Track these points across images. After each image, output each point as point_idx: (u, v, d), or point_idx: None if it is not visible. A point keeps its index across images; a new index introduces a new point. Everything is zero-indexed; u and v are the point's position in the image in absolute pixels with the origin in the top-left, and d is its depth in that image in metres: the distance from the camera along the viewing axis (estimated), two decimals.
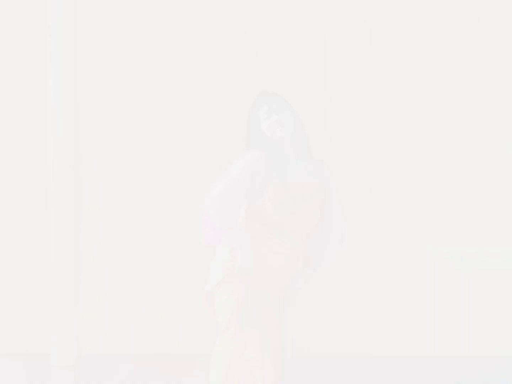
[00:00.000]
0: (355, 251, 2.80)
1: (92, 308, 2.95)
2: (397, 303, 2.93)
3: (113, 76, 2.89)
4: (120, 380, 2.87)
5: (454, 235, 2.92)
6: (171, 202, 2.92)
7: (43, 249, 2.87)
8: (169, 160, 2.90)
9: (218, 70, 2.87)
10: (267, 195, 2.28)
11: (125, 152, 2.91)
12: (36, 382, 2.83)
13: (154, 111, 2.90)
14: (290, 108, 2.39)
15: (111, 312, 2.96)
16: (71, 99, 2.79)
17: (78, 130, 2.85)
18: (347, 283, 2.91)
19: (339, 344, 2.92)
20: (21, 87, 2.86)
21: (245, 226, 2.32)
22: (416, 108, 2.90)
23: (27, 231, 2.91)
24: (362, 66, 2.89)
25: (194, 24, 2.87)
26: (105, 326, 2.96)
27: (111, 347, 2.96)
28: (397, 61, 2.89)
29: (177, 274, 2.94)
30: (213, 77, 2.87)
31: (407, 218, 2.91)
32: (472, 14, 2.87)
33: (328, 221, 2.40)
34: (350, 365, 2.91)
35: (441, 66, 2.89)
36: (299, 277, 2.37)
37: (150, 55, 2.88)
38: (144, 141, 2.91)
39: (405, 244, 2.93)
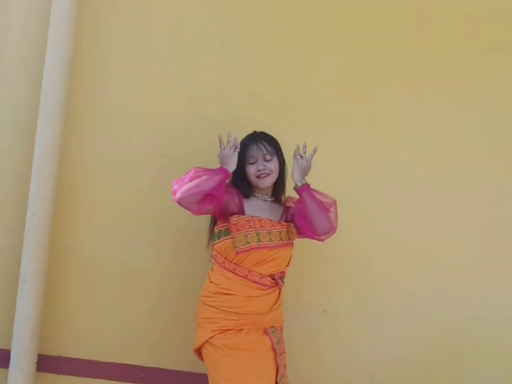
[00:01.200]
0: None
1: (59, 308, 2.86)
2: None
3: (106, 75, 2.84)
4: None
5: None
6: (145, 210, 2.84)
7: (18, 244, 2.79)
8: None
9: (214, 73, 2.84)
10: (231, 229, 2.34)
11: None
12: None
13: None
14: (279, 152, 2.45)
15: (78, 315, 2.87)
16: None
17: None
18: None
19: None
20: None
21: (215, 268, 2.42)
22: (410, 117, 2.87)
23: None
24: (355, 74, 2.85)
25: (190, 25, 2.84)
26: (70, 328, 2.87)
27: (73, 350, 2.87)
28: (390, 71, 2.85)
29: (152, 283, 2.87)
30: (208, 81, 2.83)
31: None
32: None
33: None
34: None
35: (434, 77, 2.85)
36: None
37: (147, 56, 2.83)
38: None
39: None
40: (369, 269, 2.87)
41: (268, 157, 2.40)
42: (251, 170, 2.40)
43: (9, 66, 2.82)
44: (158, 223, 2.84)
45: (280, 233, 2.39)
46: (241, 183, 2.44)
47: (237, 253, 2.33)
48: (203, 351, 2.36)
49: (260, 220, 2.36)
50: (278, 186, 2.47)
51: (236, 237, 2.32)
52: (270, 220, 2.39)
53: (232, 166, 2.34)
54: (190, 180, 2.28)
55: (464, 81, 2.86)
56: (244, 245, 2.31)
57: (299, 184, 2.39)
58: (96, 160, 2.84)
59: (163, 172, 2.81)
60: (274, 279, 2.40)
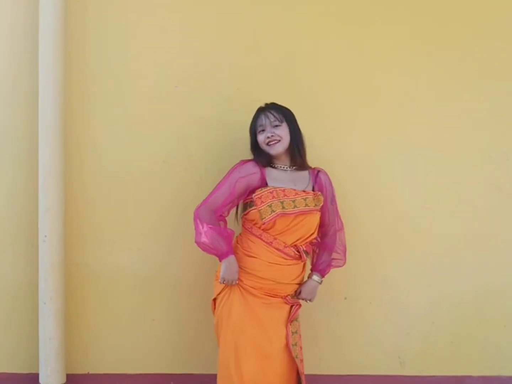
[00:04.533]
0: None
1: (81, 326, 2.86)
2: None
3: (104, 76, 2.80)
4: None
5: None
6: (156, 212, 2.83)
7: (32, 267, 2.78)
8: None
9: (212, 74, 2.80)
10: (255, 202, 2.38)
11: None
12: None
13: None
14: (289, 119, 2.45)
15: (101, 330, 2.87)
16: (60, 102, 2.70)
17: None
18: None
19: None
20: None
21: (243, 233, 2.49)
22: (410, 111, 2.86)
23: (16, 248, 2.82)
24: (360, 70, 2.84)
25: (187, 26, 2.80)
26: (94, 345, 2.87)
27: (100, 366, 2.87)
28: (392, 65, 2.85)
29: (168, 290, 2.87)
30: (206, 81, 2.80)
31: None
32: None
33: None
34: None
35: (434, 71, 2.85)
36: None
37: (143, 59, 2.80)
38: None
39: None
40: (385, 252, 2.88)
41: (275, 123, 2.41)
42: (261, 138, 2.43)
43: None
44: (167, 230, 2.83)
45: (305, 199, 2.40)
46: (258, 153, 2.46)
47: (264, 223, 2.38)
48: (217, 302, 2.45)
49: (283, 190, 2.39)
50: (294, 154, 2.46)
51: (261, 209, 2.37)
52: (294, 190, 2.41)
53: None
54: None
55: (461, 60, 2.86)
56: (270, 214, 2.36)
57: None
58: (98, 176, 2.82)
59: (167, 179, 2.81)
60: (298, 251, 2.42)
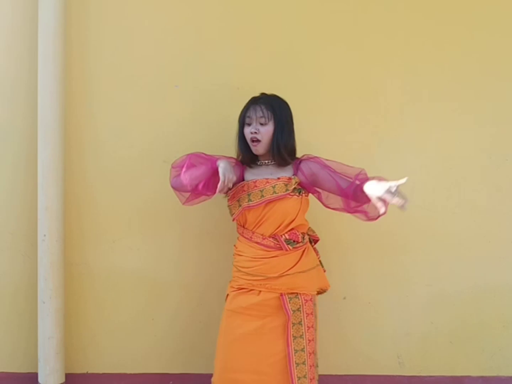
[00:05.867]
0: None
1: (80, 325, 2.85)
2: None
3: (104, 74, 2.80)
4: None
5: None
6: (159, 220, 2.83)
7: (32, 266, 2.78)
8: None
9: (212, 73, 2.80)
10: (229, 199, 2.40)
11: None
12: None
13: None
14: (277, 117, 2.36)
15: (100, 330, 2.86)
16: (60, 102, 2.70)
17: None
18: None
19: None
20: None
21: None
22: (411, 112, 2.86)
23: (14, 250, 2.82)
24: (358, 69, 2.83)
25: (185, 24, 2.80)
26: (93, 344, 2.87)
27: (99, 365, 2.87)
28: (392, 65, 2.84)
29: (167, 289, 2.86)
30: (206, 81, 2.80)
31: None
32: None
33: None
34: None
35: (434, 71, 2.85)
36: None
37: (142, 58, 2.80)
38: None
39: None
40: (384, 252, 2.87)
41: (262, 120, 2.34)
42: (247, 131, 2.39)
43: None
44: (166, 230, 2.83)
45: (273, 187, 2.32)
46: (245, 148, 2.42)
47: (233, 220, 2.40)
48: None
49: (255, 182, 2.35)
50: (277, 152, 2.34)
51: (231, 205, 2.39)
52: (266, 179, 2.35)
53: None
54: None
55: (459, 54, 2.85)
56: (237, 209, 2.36)
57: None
58: (97, 175, 2.82)
59: (166, 179, 2.78)
60: (277, 240, 2.34)
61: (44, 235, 2.69)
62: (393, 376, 2.90)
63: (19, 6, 2.74)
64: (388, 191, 2.03)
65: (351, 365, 2.91)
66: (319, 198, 2.42)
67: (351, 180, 2.27)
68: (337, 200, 2.35)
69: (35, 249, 2.74)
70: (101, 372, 2.86)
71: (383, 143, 2.84)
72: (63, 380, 2.79)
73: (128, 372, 2.87)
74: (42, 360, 2.74)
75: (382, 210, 2.08)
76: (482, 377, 2.92)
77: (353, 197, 2.25)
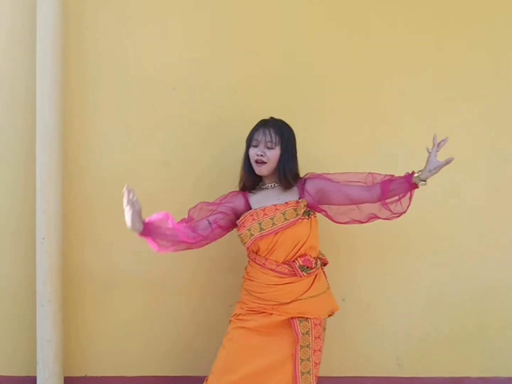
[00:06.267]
0: None
1: (79, 328, 2.85)
2: None
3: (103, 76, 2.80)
4: None
5: None
6: None
7: (30, 269, 2.77)
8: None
9: (210, 76, 2.80)
10: (239, 228, 2.41)
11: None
12: None
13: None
14: (284, 143, 2.40)
15: (99, 333, 2.86)
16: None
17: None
18: None
19: None
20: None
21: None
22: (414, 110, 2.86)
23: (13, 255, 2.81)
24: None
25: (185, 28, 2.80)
26: (92, 347, 2.86)
27: (98, 368, 2.86)
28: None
29: (166, 292, 2.86)
30: (204, 83, 2.80)
31: None
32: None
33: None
34: None
35: (434, 72, 2.85)
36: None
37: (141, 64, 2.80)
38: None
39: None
40: (383, 253, 2.87)
41: (269, 144, 2.38)
42: (252, 152, 2.41)
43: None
44: None
45: (284, 213, 2.35)
46: (248, 169, 2.45)
47: (247, 248, 2.41)
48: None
49: (263, 210, 2.37)
50: (283, 176, 2.39)
51: (242, 234, 2.38)
52: (275, 205, 2.38)
53: (133, 224, 2.27)
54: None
55: (458, 56, 2.86)
56: (249, 238, 2.36)
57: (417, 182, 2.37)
58: (96, 178, 2.81)
59: (165, 181, 2.81)
60: (291, 267, 2.36)
61: (43, 238, 2.68)
62: (392, 377, 2.90)
63: (18, 7, 2.74)
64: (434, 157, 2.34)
65: (351, 367, 2.90)
66: (327, 216, 2.46)
67: (363, 184, 2.39)
68: (346, 213, 2.45)
69: (34, 252, 2.73)
70: (100, 375, 2.86)
71: (382, 146, 2.85)
72: (62, 383, 2.78)
73: (127, 375, 2.86)
74: (41, 364, 2.73)
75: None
76: (481, 378, 2.92)
77: (387, 194, 2.37)
